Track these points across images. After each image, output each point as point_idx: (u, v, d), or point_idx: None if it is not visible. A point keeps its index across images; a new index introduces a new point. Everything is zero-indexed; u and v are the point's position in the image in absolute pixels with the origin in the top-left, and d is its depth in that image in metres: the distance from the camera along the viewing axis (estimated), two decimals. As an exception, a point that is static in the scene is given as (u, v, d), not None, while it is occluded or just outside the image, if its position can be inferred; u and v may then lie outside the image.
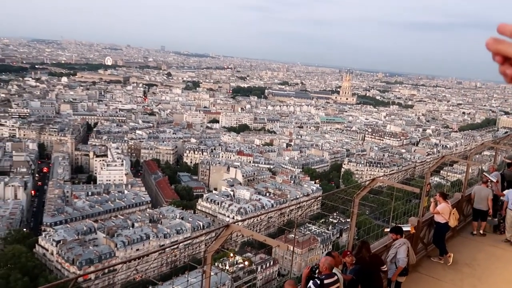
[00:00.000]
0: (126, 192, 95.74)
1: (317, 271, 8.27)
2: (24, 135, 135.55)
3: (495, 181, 16.26)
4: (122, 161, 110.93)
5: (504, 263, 13.46)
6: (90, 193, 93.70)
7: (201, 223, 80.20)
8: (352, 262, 9.17)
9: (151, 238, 72.88)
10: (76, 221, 78.51)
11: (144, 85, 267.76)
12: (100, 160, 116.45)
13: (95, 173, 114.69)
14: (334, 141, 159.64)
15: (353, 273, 9.01)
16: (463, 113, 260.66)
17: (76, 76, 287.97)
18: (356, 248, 9.92)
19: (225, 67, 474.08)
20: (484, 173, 18.15)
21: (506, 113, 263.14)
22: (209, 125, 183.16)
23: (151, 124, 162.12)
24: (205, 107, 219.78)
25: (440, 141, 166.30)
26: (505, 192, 16.20)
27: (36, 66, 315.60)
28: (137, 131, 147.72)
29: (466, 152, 26.21)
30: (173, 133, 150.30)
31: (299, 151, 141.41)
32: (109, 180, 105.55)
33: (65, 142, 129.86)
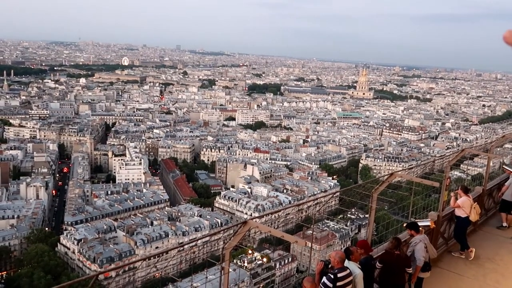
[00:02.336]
0: (144, 190, 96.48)
1: (329, 265, 8.24)
2: (45, 136, 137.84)
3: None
4: (140, 160, 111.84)
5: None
6: (109, 192, 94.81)
7: (219, 221, 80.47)
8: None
9: (170, 236, 73.43)
10: (96, 220, 79.57)
11: (161, 85, 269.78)
12: (119, 160, 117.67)
13: (114, 172, 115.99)
14: (351, 136, 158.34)
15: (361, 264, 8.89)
16: (483, 105, 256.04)
17: (94, 77, 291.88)
18: (389, 244, 9.84)
19: (241, 64, 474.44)
20: (504, 166, 17.77)
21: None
22: (225, 122, 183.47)
23: (168, 123, 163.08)
24: (221, 105, 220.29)
25: (459, 135, 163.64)
26: None
27: (55, 68, 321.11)
28: (155, 130, 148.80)
29: (487, 145, 25.74)
30: (190, 132, 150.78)
31: (316, 147, 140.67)
32: (128, 179, 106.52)
33: (84, 142, 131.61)
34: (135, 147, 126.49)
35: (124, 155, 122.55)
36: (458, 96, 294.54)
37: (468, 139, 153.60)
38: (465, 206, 13.11)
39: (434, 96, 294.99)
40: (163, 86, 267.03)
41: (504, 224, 15.21)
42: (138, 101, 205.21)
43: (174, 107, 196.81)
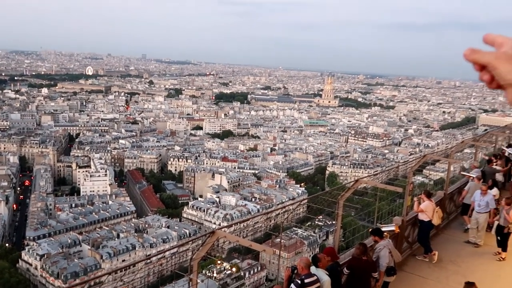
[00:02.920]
0: (110, 202, 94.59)
1: (296, 271, 8.32)
2: (5, 148, 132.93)
3: (475, 177, 16.56)
4: (106, 171, 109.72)
5: (487, 259, 13.63)
6: (73, 205, 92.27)
7: (187, 231, 79.64)
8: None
9: (137, 248, 72.06)
10: (60, 234, 77.26)
11: (126, 94, 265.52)
12: (83, 171, 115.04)
13: (79, 184, 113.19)
14: (318, 144, 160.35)
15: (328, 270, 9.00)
16: (444, 112, 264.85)
17: (57, 87, 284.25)
18: (356, 250, 9.96)
19: (207, 73, 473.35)
20: (462, 172, 18.38)
21: (485, 111, 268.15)
22: (192, 132, 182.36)
23: (134, 133, 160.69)
24: (188, 114, 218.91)
25: (422, 141, 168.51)
26: (466, 189, 16.53)
27: (16, 78, 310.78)
28: (120, 141, 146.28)
29: (447, 151, 26.60)
30: (157, 141, 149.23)
31: (283, 155, 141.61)
32: (93, 191, 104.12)
33: (47, 154, 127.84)
34: (100, 158, 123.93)
35: (89, 166, 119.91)
36: (420, 103, 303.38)
37: (430, 145, 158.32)
38: (428, 210, 13.49)
39: (397, 103, 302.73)
40: (129, 95, 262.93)
41: (467, 226, 15.70)
42: (103, 111, 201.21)
43: (140, 117, 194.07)
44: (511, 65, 1.20)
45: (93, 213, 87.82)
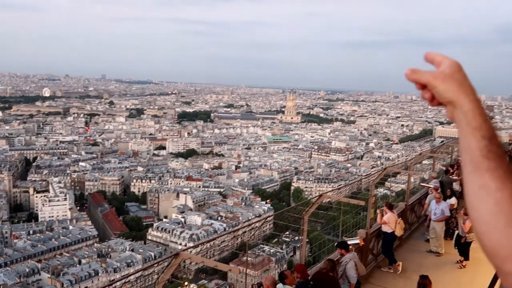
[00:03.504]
0: (71, 227, 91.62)
1: None
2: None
3: (432, 187, 17.12)
4: (66, 196, 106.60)
5: (450, 267, 13.99)
6: (31, 232, 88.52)
7: (152, 254, 77.92)
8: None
9: (100, 274, 69.77)
10: (17, 263, 73.75)
11: (86, 115, 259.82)
12: (41, 196, 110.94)
13: (37, 210, 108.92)
14: (282, 160, 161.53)
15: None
16: (402, 125, 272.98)
17: (12, 110, 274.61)
18: (323, 265, 9.98)
19: (169, 92, 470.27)
20: (421, 183, 18.90)
21: (441, 123, 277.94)
22: (155, 152, 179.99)
23: (94, 155, 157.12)
24: (150, 134, 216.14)
25: (382, 154, 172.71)
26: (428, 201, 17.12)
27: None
28: (80, 163, 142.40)
29: (407, 163, 27.42)
30: (119, 163, 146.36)
31: (248, 173, 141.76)
32: (52, 217, 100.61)
33: (2, 179, 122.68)
34: (59, 182, 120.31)
35: (47, 191, 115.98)
36: (379, 117, 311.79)
37: (390, 158, 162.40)
38: (390, 222, 13.77)
39: (357, 118, 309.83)
40: (88, 117, 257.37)
41: (429, 236, 16.09)
42: (61, 133, 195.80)
43: (100, 138, 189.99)
44: (447, 84, 1.25)
45: (53, 240, 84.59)
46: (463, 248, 14.09)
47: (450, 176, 19.68)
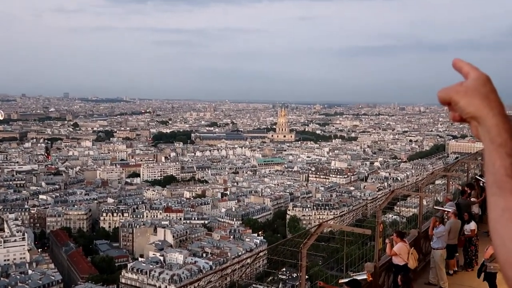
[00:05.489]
0: (30, 272, 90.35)
1: None
2: None
3: (451, 212, 17.07)
4: (23, 235, 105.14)
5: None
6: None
7: (127, 300, 76.90)
8: None
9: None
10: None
11: (46, 140, 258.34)
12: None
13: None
14: (275, 185, 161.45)
15: None
16: (410, 141, 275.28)
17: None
18: None
19: (143, 111, 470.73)
20: (435, 206, 18.93)
21: (454, 137, 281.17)
22: (128, 180, 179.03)
23: (57, 186, 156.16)
24: (122, 159, 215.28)
25: (390, 174, 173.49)
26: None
27: None
28: (41, 196, 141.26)
29: (418, 183, 27.60)
30: (86, 194, 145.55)
31: (236, 201, 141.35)
32: (8, 260, 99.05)
33: None
34: (16, 219, 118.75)
35: (2, 230, 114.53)
36: (384, 132, 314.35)
37: (399, 178, 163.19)
38: (401, 252, 13.69)
39: (359, 134, 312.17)
40: (49, 142, 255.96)
41: (451, 271, 16.00)
42: (18, 162, 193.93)
43: (64, 166, 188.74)
44: (470, 98, 1.31)
45: (9, 287, 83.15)
46: (488, 280, 14.01)
47: (468, 198, 19.74)
